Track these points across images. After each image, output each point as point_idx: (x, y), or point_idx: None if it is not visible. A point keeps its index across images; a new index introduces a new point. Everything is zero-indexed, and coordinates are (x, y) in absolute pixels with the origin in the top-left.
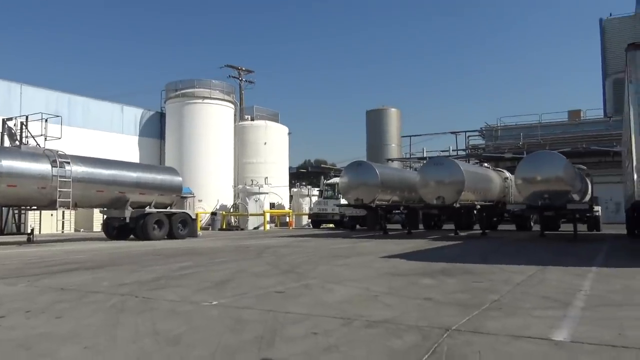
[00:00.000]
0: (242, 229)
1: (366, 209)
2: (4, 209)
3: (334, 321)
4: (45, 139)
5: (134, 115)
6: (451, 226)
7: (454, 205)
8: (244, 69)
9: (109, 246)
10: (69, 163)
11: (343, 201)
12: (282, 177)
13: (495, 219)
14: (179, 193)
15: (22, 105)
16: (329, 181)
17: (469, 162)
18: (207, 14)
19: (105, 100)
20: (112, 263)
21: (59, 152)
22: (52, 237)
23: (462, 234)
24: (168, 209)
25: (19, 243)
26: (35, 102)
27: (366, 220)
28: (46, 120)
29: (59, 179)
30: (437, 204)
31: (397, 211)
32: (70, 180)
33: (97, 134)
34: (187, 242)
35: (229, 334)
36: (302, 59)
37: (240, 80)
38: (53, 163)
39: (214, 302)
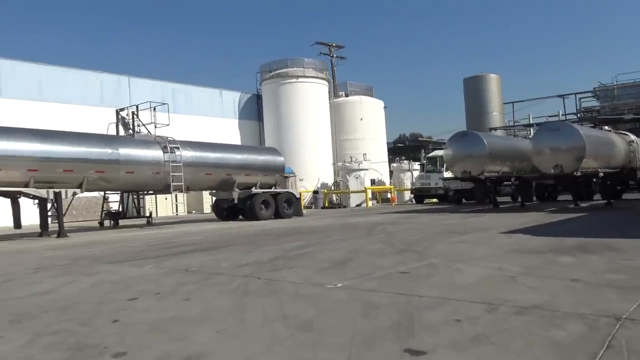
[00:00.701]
0: (344, 207)
1: (474, 181)
2: (125, 195)
3: (476, 306)
4: (155, 127)
5: (232, 99)
6: (567, 197)
7: (574, 174)
8: (334, 44)
9: (220, 227)
10: (178, 148)
11: (447, 174)
12: (380, 153)
13: (619, 188)
14: (282, 173)
15: (131, 96)
16: (430, 154)
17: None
18: None
19: (205, 86)
20: (226, 244)
21: (169, 139)
22: (168, 219)
23: (583, 205)
24: (273, 189)
25: (140, 226)
26: (142, 92)
27: (474, 194)
28: (154, 109)
29: (170, 164)
30: (554, 173)
31: (507, 183)
32: (181, 164)
33: (199, 119)
34: (294, 221)
35: (361, 319)
36: (392, 30)
37: (331, 56)
38: (164, 149)
39: (339, 284)
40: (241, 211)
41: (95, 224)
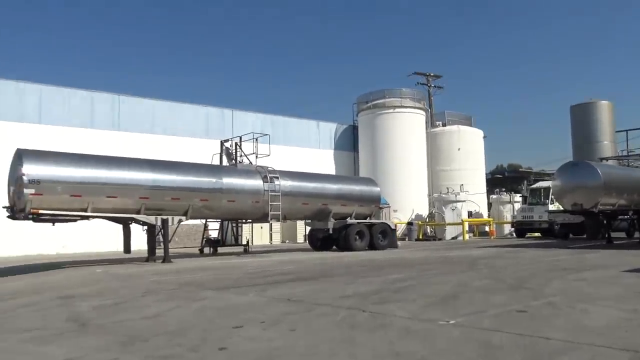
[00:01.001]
0: (439, 239)
1: (585, 215)
2: (225, 223)
3: (618, 354)
4: (256, 157)
5: (329, 130)
6: None
7: None
8: (432, 74)
9: (315, 257)
10: (277, 178)
11: (553, 207)
12: (478, 184)
13: None
14: (377, 203)
15: (234, 127)
16: (534, 186)
17: None
18: (389, 21)
19: (303, 118)
20: (325, 274)
21: (269, 168)
22: (263, 247)
23: None
24: (367, 220)
25: (237, 253)
26: (244, 124)
27: (584, 228)
28: (256, 140)
29: (270, 193)
30: None
31: (623, 217)
32: (280, 194)
33: (296, 150)
34: (389, 253)
35: None
36: (491, 58)
37: (428, 86)
38: (264, 179)
39: (451, 322)
40: (335, 241)
41: (196, 250)
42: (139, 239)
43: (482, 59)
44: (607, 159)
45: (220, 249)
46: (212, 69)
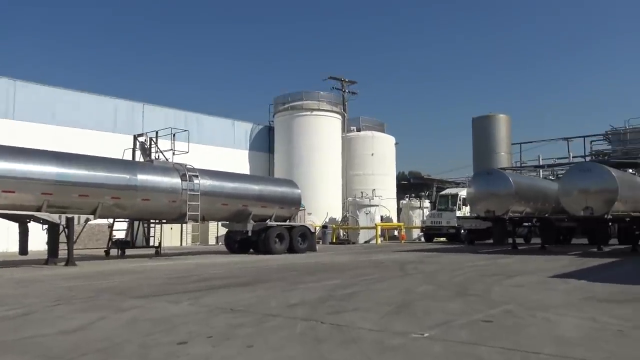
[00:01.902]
0: (353, 243)
1: (493, 221)
2: (135, 223)
3: None
4: (173, 154)
5: (244, 130)
6: (580, 241)
7: (605, 217)
8: (347, 80)
9: (235, 260)
10: (197, 177)
11: (460, 213)
12: (389, 189)
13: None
14: (298, 206)
15: (144, 123)
16: (443, 193)
17: None
18: (306, 26)
19: (218, 116)
20: (257, 279)
21: (187, 166)
22: (175, 250)
23: (606, 249)
24: (287, 222)
25: (149, 256)
26: (155, 119)
27: (491, 234)
28: (174, 135)
29: (188, 192)
30: (584, 215)
31: (525, 224)
32: (199, 193)
33: (210, 149)
34: (311, 257)
35: None
36: (404, 68)
37: (343, 91)
38: (182, 177)
39: (425, 334)
40: (254, 244)
41: (100, 252)
42: (35, 240)
43: (395, 68)
44: (504, 169)
45: (128, 252)
46: (121, 61)
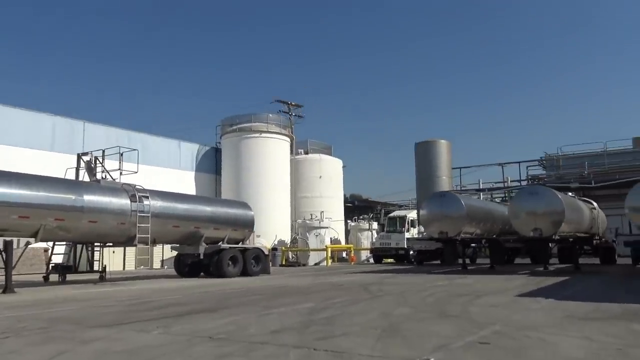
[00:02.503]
0: (303, 265)
1: (444, 242)
2: (78, 246)
3: None
4: (121, 174)
5: (190, 151)
6: (522, 260)
7: (553, 237)
8: (293, 103)
9: (189, 284)
10: (147, 197)
11: (408, 235)
12: (337, 211)
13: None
14: (251, 228)
15: (85, 142)
16: (391, 214)
17: None
18: (252, 47)
19: (163, 136)
20: (221, 305)
21: (137, 187)
22: (120, 274)
23: (551, 268)
24: (240, 245)
25: (93, 281)
26: (97, 139)
27: (443, 255)
28: (122, 155)
29: (138, 214)
30: (533, 236)
31: (473, 245)
32: (149, 215)
33: (156, 169)
34: (267, 280)
35: None
36: (349, 92)
37: (290, 114)
38: (132, 198)
39: (432, 359)
40: (205, 267)
41: (37, 278)
42: None
43: (339, 92)
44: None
45: (69, 277)
46: (58, 76)
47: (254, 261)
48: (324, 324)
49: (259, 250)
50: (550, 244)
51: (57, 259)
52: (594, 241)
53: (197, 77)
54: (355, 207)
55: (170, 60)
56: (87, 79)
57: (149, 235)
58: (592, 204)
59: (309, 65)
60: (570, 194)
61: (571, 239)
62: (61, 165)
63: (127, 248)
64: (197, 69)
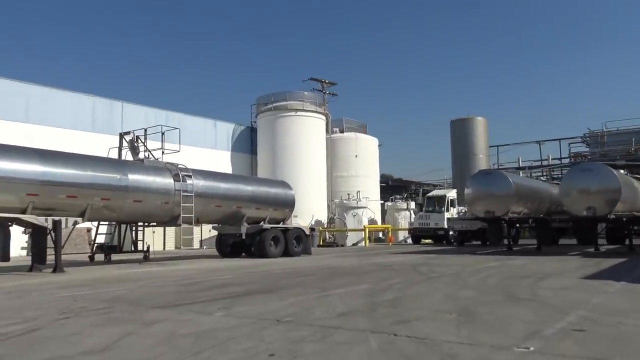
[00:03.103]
0: (341, 245)
1: (491, 222)
2: (122, 226)
3: None
4: (163, 153)
5: (226, 131)
6: (567, 241)
7: (608, 217)
8: (327, 81)
9: (234, 264)
10: (190, 177)
11: (448, 215)
12: (373, 191)
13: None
14: (291, 208)
15: (124, 122)
16: (430, 194)
17: None
18: (287, 28)
19: (199, 115)
20: (275, 286)
21: (180, 166)
22: (161, 255)
23: (602, 249)
24: (282, 225)
25: (138, 261)
26: (135, 119)
27: (488, 235)
28: (163, 133)
29: (181, 193)
30: (587, 215)
31: (518, 225)
32: (193, 195)
33: (192, 149)
34: (311, 260)
35: None
36: (384, 70)
37: (324, 92)
38: (175, 177)
39: (531, 348)
40: (247, 247)
41: (82, 257)
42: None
43: (373, 71)
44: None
45: (113, 257)
46: (98, 55)
47: (295, 241)
48: (390, 307)
49: (300, 230)
50: (599, 224)
51: (99, 239)
52: None
53: (230, 56)
54: (388, 187)
55: (203, 37)
56: (122, 58)
57: (193, 215)
58: None
59: (341, 41)
60: (622, 171)
61: (624, 219)
62: (102, 145)
63: (167, 228)
64: (231, 47)
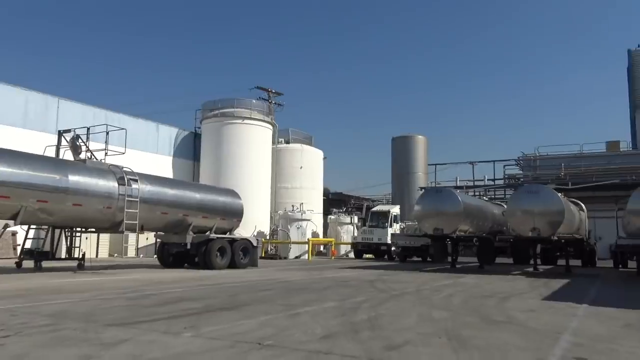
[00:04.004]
0: (284, 258)
1: (436, 239)
2: (57, 231)
3: None
4: (106, 154)
5: (168, 135)
6: (502, 260)
7: (551, 238)
8: (273, 91)
9: (180, 276)
10: (136, 181)
11: (391, 230)
12: (316, 204)
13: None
14: (239, 218)
15: (59, 120)
16: (375, 209)
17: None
18: (236, 37)
19: (141, 117)
20: (234, 301)
21: (124, 169)
22: (97, 262)
23: (541, 269)
24: (228, 235)
25: (73, 270)
26: (72, 117)
27: (433, 252)
28: (107, 133)
29: (126, 198)
30: (532, 236)
31: (466, 243)
32: (138, 200)
33: (133, 153)
34: (260, 273)
35: None
36: (327, 85)
37: (270, 102)
38: (120, 180)
39: None
40: (191, 258)
41: (5, 263)
42: None
43: (319, 83)
44: (424, 188)
45: (44, 264)
46: (34, 49)
47: (242, 253)
48: (371, 329)
49: (247, 241)
50: (538, 245)
51: (27, 244)
52: (584, 243)
53: (175, 60)
54: (327, 200)
55: (149, 40)
56: (61, 54)
57: (137, 222)
58: (580, 205)
59: (289, 56)
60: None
61: (563, 240)
62: (34, 144)
63: (100, 234)
64: (176, 51)
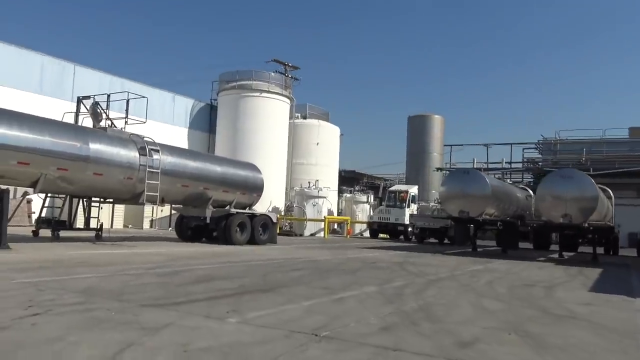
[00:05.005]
0: (300, 235)
1: (458, 221)
2: (74, 201)
3: None
4: (126, 123)
5: (184, 106)
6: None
7: (583, 225)
8: (290, 64)
9: (202, 251)
10: (157, 152)
11: (409, 210)
12: (331, 181)
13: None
14: (260, 193)
15: (75, 86)
16: (392, 188)
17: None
18: (254, 11)
19: (158, 87)
20: (269, 282)
21: (146, 139)
22: (114, 234)
23: (566, 256)
24: (248, 210)
25: (91, 241)
26: (88, 85)
27: (455, 234)
28: (128, 101)
29: (147, 169)
30: (563, 222)
31: (489, 227)
32: (159, 171)
33: (149, 123)
34: (281, 251)
35: None
36: (348, 58)
37: (286, 76)
38: (141, 150)
39: None
40: (209, 232)
41: (21, 231)
42: None
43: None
44: (441, 169)
45: (61, 233)
46: (51, 16)
47: (262, 229)
48: (428, 320)
49: (267, 217)
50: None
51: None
52: (614, 232)
53: (192, 32)
54: (340, 178)
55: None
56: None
57: (158, 194)
58: (608, 192)
59: (306, 30)
60: None
61: (591, 228)
62: (51, 110)
63: (115, 205)
64: (194, 22)
